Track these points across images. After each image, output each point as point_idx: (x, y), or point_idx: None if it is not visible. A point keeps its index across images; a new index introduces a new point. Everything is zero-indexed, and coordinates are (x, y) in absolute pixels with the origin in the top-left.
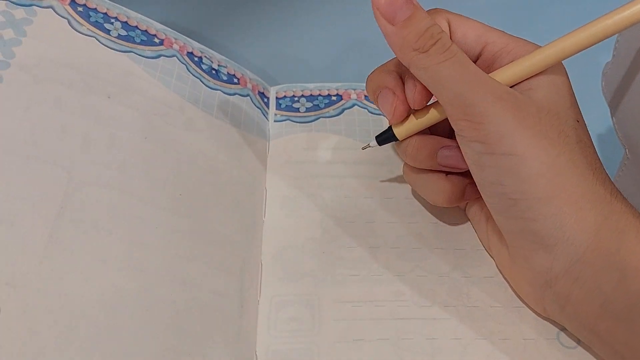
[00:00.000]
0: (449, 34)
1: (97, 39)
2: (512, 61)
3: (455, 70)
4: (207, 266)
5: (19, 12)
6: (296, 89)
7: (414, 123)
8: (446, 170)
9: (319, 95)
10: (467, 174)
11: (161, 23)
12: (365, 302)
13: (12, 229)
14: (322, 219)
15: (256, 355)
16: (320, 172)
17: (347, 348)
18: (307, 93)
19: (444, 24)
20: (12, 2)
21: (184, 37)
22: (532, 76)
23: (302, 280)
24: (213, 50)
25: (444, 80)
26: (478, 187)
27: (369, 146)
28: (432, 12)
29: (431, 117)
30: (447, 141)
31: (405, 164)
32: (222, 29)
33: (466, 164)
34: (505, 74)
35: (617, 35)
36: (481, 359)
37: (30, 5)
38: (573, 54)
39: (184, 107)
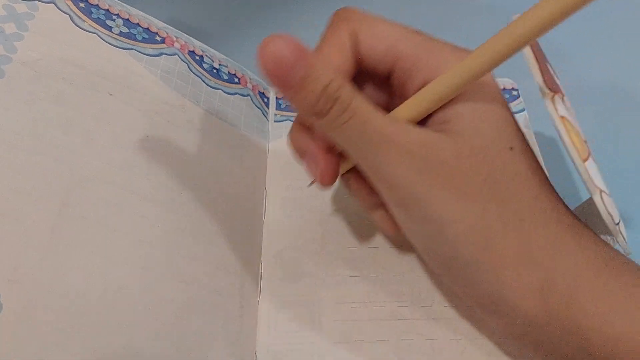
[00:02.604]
0: (352, 50)
1: (98, 36)
2: (423, 81)
3: (356, 131)
4: (208, 265)
5: (21, 6)
6: None
7: (342, 167)
8: None
9: None
10: None
11: (162, 21)
12: (365, 303)
13: (14, 225)
14: (322, 220)
15: (256, 355)
16: None
17: (347, 348)
18: None
19: (346, 39)
20: None
21: (186, 35)
22: (452, 99)
23: (302, 281)
24: (214, 49)
25: (347, 144)
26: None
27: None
28: (335, 20)
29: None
30: None
31: None
32: (222, 28)
33: None
34: (412, 109)
35: None
36: (481, 359)
37: None
38: (491, 69)
39: (185, 105)
